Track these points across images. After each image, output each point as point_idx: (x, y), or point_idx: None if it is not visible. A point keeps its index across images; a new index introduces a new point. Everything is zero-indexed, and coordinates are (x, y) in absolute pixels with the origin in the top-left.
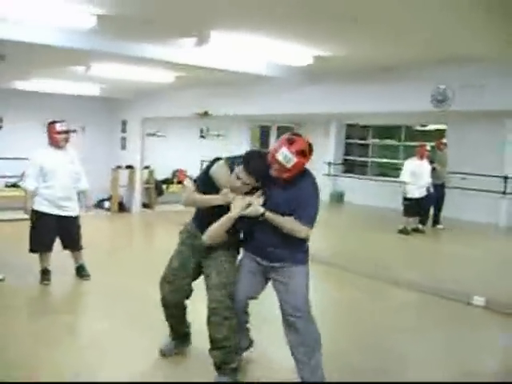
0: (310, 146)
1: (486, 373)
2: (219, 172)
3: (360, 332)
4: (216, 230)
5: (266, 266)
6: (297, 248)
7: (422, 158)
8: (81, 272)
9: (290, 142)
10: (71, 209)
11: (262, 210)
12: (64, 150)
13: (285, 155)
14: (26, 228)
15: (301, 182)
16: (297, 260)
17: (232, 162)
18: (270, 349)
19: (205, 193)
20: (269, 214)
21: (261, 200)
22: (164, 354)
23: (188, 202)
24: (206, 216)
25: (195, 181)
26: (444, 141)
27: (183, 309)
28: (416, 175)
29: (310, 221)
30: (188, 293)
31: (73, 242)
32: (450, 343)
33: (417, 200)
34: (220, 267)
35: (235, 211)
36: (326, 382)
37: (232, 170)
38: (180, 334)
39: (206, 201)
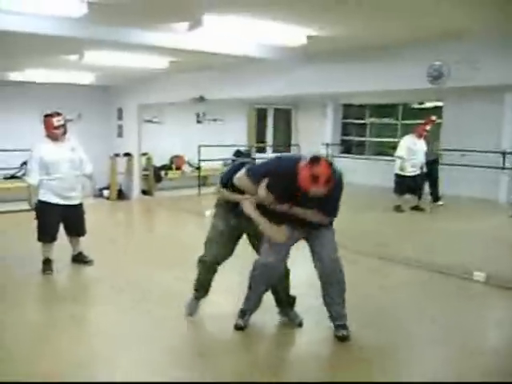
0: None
1: (488, 348)
2: (242, 184)
3: (363, 310)
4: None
5: (304, 231)
6: None
7: (420, 136)
8: (83, 259)
9: (316, 181)
10: (76, 197)
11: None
12: (62, 140)
13: (315, 192)
14: (25, 219)
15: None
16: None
17: (254, 173)
18: None
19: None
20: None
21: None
22: (191, 314)
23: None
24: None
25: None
26: (433, 118)
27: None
28: (411, 152)
29: (335, 213)
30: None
31: (78, 228)
32: (450, 318)
33: (408, 177)
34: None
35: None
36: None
37: (255, 180)
38: (207, 289)
39: (237, 199)
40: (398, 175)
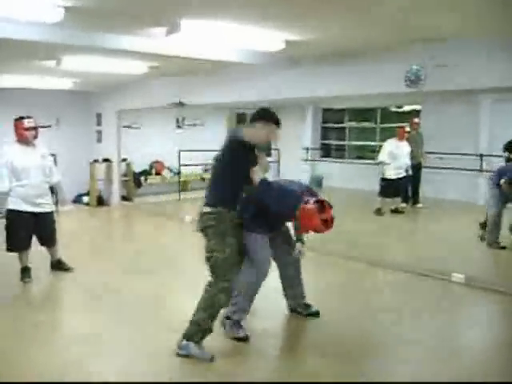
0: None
1: (465, 349)
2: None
3: (345, 313)
4: None
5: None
6: None
7: (401, 139)
8: (62, 266)
9: (327, 225)
10: (46, 205)
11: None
12: (33, 146)
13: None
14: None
15: None
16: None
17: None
18: None
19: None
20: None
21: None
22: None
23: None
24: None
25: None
26: (416, 120)
27: None
28: (394, 156)
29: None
30: None
31: (49, 238)
32: (429, 320)
33: (393, 181)
34: None
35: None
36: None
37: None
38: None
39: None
40: (383, 179)
